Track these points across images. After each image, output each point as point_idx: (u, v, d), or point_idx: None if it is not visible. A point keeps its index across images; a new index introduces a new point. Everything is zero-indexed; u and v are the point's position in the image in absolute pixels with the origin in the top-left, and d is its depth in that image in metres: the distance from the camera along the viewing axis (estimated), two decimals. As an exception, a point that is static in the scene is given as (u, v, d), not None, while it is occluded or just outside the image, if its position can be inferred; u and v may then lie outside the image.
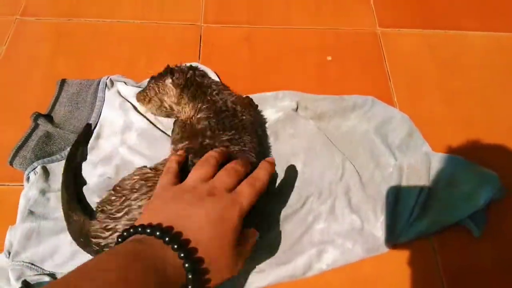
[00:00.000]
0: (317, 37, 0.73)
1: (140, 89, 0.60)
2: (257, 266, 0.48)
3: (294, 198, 0.53)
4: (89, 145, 0.56)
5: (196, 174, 0.41)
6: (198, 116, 0.51)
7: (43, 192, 0.51)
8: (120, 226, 0.43)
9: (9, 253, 0.47)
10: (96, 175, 0.53)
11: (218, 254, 0.35)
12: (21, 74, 0.64)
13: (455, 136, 0.62)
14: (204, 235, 0.35)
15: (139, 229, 0.34)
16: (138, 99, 0.57)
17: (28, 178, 0.53)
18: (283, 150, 0.57)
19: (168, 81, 0.54)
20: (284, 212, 0.52)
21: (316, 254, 0.49)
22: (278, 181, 0.55)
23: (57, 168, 0.54)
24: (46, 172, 0.53)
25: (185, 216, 0.36)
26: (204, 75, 0.57)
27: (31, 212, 0.49)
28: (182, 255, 0.32)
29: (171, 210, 0.37)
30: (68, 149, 0.55)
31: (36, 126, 0.56)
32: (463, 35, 0.75)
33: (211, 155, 0.44)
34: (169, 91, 0.54)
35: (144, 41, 0.69)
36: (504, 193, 0.54)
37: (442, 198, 0.54)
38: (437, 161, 0.56)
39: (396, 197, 0.53)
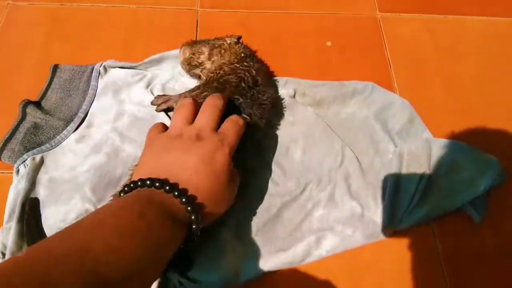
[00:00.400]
0: (316, 22, 0.71)
1: (135, 70, 0.60)
2: (255, 253, 0.48)
3: (293, 185, 0.52)
4: (79, 134, 0.55)
5: (178, 119, 0.43)
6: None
7: (33, 184, 0.50)
8: None
9: (3, 255, 0.45)
10: (86, 165, 0.52)
11: (215, 192, 0.38)
12: (14, 60, 0.62)
13: (455, 121, 0.61)
14: (200, 178, 0.37)
15: (139, 183, 0.36)
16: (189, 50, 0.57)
17: (17, 171, 0.51)
18: (282, 138, 0.56)
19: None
20: (283, 199, 0.51)
21: (315, 241, 0.49)
22: (278, 169, 0.54)
23: (48, 157, 0.52)
24: (36, 163, 0.51)
25: (179, 164, 0.37)
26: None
27: (23, 209, 0.48)
28: (183, 200, 0.35)
29: (164, 161, 0.38)
30: (58, 137, 0.54)
31: (23, 117, 0.54)
32: (462, 20, 0.74)
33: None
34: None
35: (140, 26, 0.67)
36: (505, 178, 0.53)
37: (442, 184, 0.53)
38: (437, 147, 0.55)
39: (396, 184, 0.52)
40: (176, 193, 0.35)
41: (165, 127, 0.45)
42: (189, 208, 0.35)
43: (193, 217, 0.36)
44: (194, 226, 0.36)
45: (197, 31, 0.67)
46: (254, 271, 0.47)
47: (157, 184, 0.35)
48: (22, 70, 0.62)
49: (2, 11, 0.67)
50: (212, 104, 0.43)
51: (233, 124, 0.43)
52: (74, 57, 0.63)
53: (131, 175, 0.46)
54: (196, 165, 0.37)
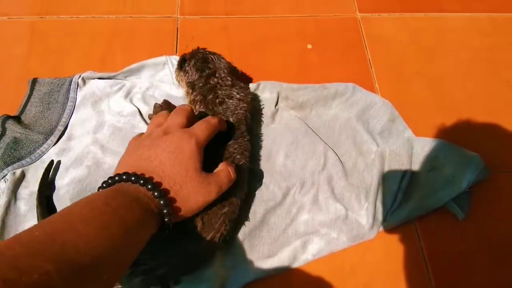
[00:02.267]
0: (297, 25, 0.69)
1: (114, 80, 0.59)
2: (242, 262, 0.47)
3: (276, 190, 0.51)
4: (59, 147, 0.53)
5: (151, 124, 0.44)
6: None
7: (14, 199, 0.48)
8: None
9: None
10: (67, 179, 0.50)
11: (184, 180, 0.38)
12: None
13: (437, 119, 0.60)
14: (166, 167, 0.37)
15: (109, 181, 0.37)
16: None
17: None
18: (264, 142, 0.55)
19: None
20: (267, 205, 0.50)
21: (301, 245, 0.47)
22: (261, 175, 0.52)
23: (28, 171, 0.51)
24: (17, 178, 0.49)
25: (145, 158, 0.38)
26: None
27: (3, 224, 0.46)
28: (149, 187, 0.35)
29: (134, 158, 0.39)
30: (38, 151, 0.52)
31: (3, 132, 0.53)
32: (443, 17, 0.72)
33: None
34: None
35: (120, 36, 0.65)
36: (487, 173, 0.52)
37: (425, 182, 0.52)
38: (419, 145, 0.54)
39: (379, 184, 0.51)
40: (141, 182, 0.35)
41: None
42: (155, 193, 0.35)
43: (161, 202, 0.36)
44: (165, 211, 0.36)
45: (177, 38, 0.65)
46: (242, 280, 0.46)
47: (124, 177, 0.36)
48: (3, 84, 0.60)
49: None
50: (182, 108, 0.44)
51: (204, 122, 0.43)
52: (54, 69, 0.60)
53: None
54: (161, 156, 0.38)
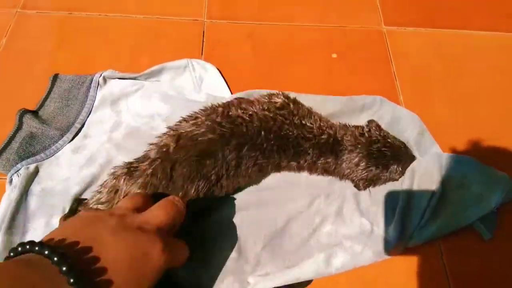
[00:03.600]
0: (322, 34, 0.67)
1: (134, 80, 0.56)
2: (262, 270, 0.44)
3: (301, 198, 0.49)
4: (75, 145, 0.50)
5: (127, 201, 0.35)
6: None
7: (25, 195, 0.46)
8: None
9: None
10: (79, 176, 0.48)
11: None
12: (21, 68, 0.58)
13: (462, 136, 0.57)
14: (118, 272, 0.27)
15: (27, 246, 0.26)
16: None
17: (10, 181, 0.47)
18: None
19: None
20: (290, 212, 0.47)
21: (324, 259, 0.45)
22: (288, 182, 0.50)
23: (42, 167, 0.48)
24: (30, 173, 0.47)
25: (101, 242, 0.28)
26: None
27: (13, 219, 0.44)
28: (72, 280, 0.24)
29: (87, 231, 0.29)
30: (53, 147, 0.50)
31: (19, 126, 0.50)
32: (471, 34, 0.70)
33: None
34: None
35: (146, 36, 0.63)
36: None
37: (453, 200, 0.49)
38: (448, 162, 0.51)
39: (408, 200, 0.48)
40: (64, 269, 0.25)
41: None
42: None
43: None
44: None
45: (203, 42, 0.63)
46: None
47: (47, 252, 0.25)
48: (30, 77, 0.57)
49: (10, 18, 0.63)
50: (169, 202, 0.36)
51: (182, 246, 0.35)
52: (80, 66, 0.58)
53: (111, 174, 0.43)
54: (119, 253, 0.28)
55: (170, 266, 0.32)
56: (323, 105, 0.56)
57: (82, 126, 0.52)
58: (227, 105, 0.46)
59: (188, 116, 0.46)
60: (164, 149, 0.42)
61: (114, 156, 0.50)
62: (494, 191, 0.49)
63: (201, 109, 0.47)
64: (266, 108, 0.46)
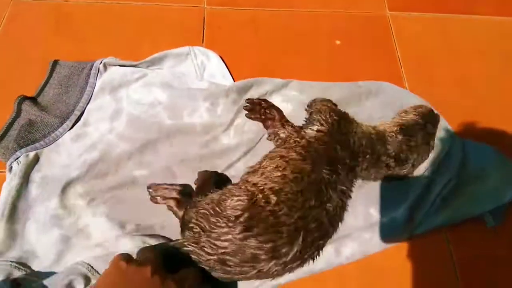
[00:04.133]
0: (325, 20, 0.65)
1: (135, 68, 0.55)
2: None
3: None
4: (75, 133, 0.49)
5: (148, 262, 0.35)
6: None
7: (26, 182, 0.45)
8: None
9: None
10: (79, 162, 0.47)
11: None
12: (18, 54, 0.57)
13: (468, 120, 0.57)
14: None
15: None
16: None
17: (10, 168, 0.46)
18: None
19: None
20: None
21: (334, 251, 0.44)
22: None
23: (42, 155, 0.47)
24: (30, 160, 0.46)
25: None
26: None
27: (14, 207, 0.43)
28: None
29: None
30: (52, 134, 0.48)
31: (18, 114, 0.49)
32: (475, 19, 0.68)
33: None
34: None
35: (146, 24, 0.61)
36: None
37: (467, 191, 0.48)
38: (470, 151, 0.51)
39: (419, 186, 0.48)
40: None
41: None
42: None
43: None
44: None
45: (203, 29, 0.61)
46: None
47: None
48: (27, 64, 0.56)
49: (6, 5, 0.61)
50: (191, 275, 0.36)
51: None
52: (77, 53, 0.57)
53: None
54: None
55: None
56: (328, 91, 0.55)
57: (82, 113, 0.51)
58: None
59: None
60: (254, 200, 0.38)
61: (114, 143, 0.49)
62: (509, 187, 0.48)
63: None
64: None
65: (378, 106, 0.54)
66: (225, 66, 0.57)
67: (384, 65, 0.62)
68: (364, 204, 0.47)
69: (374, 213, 0.46)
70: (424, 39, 0.65)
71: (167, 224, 0.44)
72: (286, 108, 0.52)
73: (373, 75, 0.59)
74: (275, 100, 0.53)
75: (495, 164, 0.50)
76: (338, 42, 0.64)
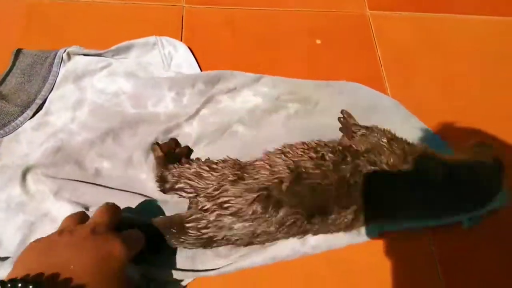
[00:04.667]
0: (305, 20, 0.64)
1: (100, 57, 0.54)
2: (237, 253, 0.43)
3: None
4: (36, 122, 0.48)
5: (67, 220, 0.35)
6: None
7: None
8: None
9: None
10: (40, 151, 0.46)
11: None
12: None
13: (448, 121, 0.55)
14: (92, 278, 0.29)
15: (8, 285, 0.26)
16: None
17: None
18: (262, 138, 0.50)
19: None
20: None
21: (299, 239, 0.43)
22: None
23: (2, 144, 0.46)
24: None
25: (64, 262, 0.29)
26: None
27: None
28: None
29: (45, 259, 0.29)
30: (12, 123, 0.47)
31: None
32: (456, 18, 0.68)
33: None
34: None
35: (124, 23, 0.60)
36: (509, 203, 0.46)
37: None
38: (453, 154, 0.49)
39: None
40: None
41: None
42: None
43: None
44: None
45: (182, 28, 0.60)
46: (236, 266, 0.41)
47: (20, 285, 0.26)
48: None
49: None
50: (109, 207, 0.37)
51: (134, 233, 0.36)
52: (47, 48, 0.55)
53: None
54: (83, 264, 0.30)
55: (132, 253, 0.33)
56: (300, 88, 0.55)
57: (44, 102, 0.50)
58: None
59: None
60: (276, 181, 0.39)
61: (76, 132, 0.48)
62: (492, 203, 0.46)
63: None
64: None
65: (347, 106, 0.54)
66: (192, 56, 0.56)
67: (364, 65, 0.61)
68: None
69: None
70: (405, 39, 0.64)
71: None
72: (257, 103, 0.52)
73: (354, 75, 0.58)
74: (245, 93, 0.53)
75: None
76: (318, 41, 0.63)
